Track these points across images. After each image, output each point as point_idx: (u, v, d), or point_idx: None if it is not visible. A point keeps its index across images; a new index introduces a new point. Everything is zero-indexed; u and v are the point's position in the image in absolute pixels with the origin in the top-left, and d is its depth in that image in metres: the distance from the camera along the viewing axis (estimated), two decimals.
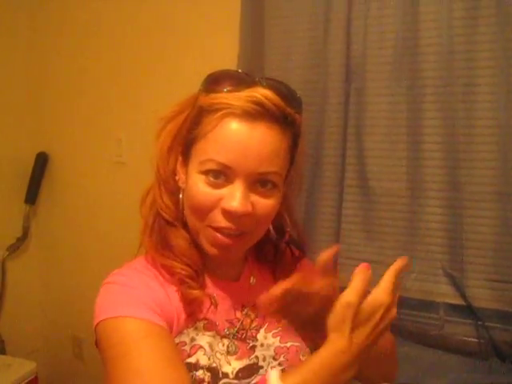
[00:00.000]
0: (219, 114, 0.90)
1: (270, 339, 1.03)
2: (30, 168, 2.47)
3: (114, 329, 0.88)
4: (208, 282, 1.02)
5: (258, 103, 0.88)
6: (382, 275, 1.69)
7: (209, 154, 0.90)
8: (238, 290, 1.05)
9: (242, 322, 1.02)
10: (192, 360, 0.92)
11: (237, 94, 0.90)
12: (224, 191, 0.90)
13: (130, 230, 2.25)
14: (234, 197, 0.89)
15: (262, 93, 0.89)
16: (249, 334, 1.02)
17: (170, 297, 0.95)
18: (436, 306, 1.75)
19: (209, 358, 0.94)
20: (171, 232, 0.99)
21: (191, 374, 0.91)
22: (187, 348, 0.94)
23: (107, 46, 2.30)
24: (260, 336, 1.03)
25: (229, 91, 0.91)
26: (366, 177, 1.75)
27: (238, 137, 0.89)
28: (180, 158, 1.00)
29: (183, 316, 0.95)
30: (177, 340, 0.94)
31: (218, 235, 0.92)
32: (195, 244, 0.99)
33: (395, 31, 1.68)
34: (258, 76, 0.93)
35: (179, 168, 1.00)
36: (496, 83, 1.59)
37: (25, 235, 2.52)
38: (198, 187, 0.91)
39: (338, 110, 1.74)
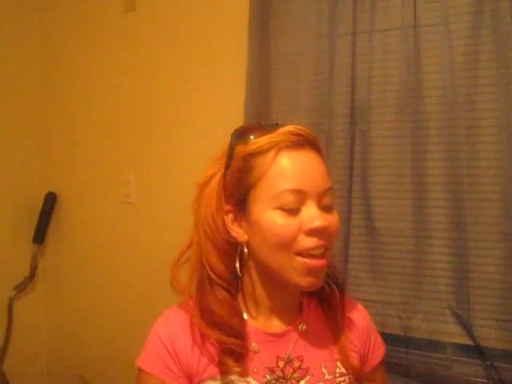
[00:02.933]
0: (272, 151, 0.96)
1: None
2: (39, 208, 2.49)
3: (140, 380, 1.02)
4: (252, 330, 1.03)
5: (298, 134, 0.98)
6: (388, 315, 1.72)
7: (280, 187, 0.95)
8: (284, 337, 1.06)
9: (282, 371, 1.02)
10: None
11: (274, 134, 0.98)
12: (301, 216, 0.95)
13: (137, 270, 2.29)
14: (315, 215, 0.94)
15: (295, 127, 0.99)
16: (288, 383, 1.02)
17: (203, 352, 1.00)
18: (443, 346, 1.75)
19: None
20: (213, 296, 1.01)
21: None
22: None
23: (116, 87, 2.35)
24: None
25: (266, 134, 0.99)
26: (372, 217, 1.78)
27: (299, 163, 0.97)
28: (229, 216, 1.02)
29: (215, 366, 0.99)
30: None
31: (308, 261, 0.95)
32: (237, 310, 1.03)
33: (398, 75, 1.73)
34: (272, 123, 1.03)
35: (232, 225, 1.02)
36: (498, 125, 1.62)
37: (32, 275, 2.53)
38: (278, 222, 0.95)
39: (344, 152, 1.78)
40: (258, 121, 1.75)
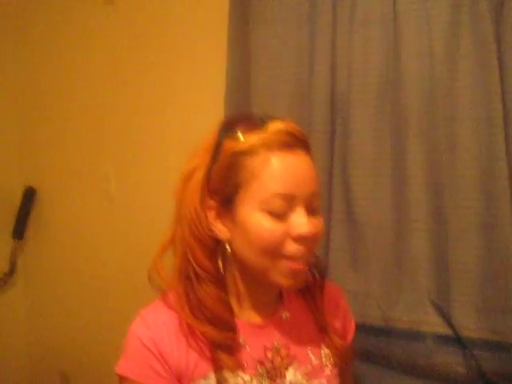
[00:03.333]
0: (263, 152, 0.95)
1: (298, 378, 1.05)
2: (18, 202, 2.47)
3: None
4: (239, 323, 1.03)
5: (290, 134, 0.97)
6: (368, 306, 1.73)
7: (269, 190, 0.94)
8: (269, 328, 1.07)
9: (272, 361, 1.04)
10: None
11: (264, 131, 0.97)
12: (289, 221, 0.95)
13: (118, 264, 2.28)
14: (303, 222, 0.95)
15: (286, 125, 0.98)
16: (278, 372, 1.04)
17: (190, 349, 0.99)
18: (424, 336, 1.76)
19: None
20: (204, 291, 1.01)
21: None
22: None
23: (95, 80, 2.33)
24: (289, 375, 1.05)
25: (255, 130, 0.97)
26: (352, 208, 1.78)
27: (290, 166, 0.96)
28: (212, 213, 1.01)
29: (206, 362, 0.99)
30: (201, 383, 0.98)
31: (293, 264, 0.96)
32: (227, 304, 1.03)
33: (379, 64, 1.73)
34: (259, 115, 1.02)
35: (214, 222, 1.01)
36: (476, 117, 1.63)
37: (12, 270, 2.52)
38: (265, 225, 0.94)
39: (324, 140, 1.78)
40: (245, 112, 1.73)
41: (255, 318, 1.06)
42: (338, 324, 1.16)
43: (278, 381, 1.03)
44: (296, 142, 0.97)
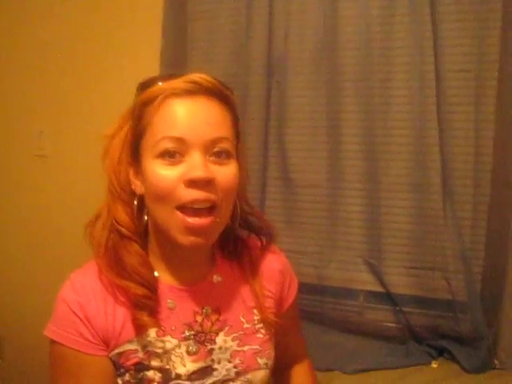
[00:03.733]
0: (159, 98, 0.91)
1: (228, 343, 1.03)
2: None
3: (57, 353, 0.97)
4: (165, 287, 1.01)
5: (195, 82, 0.92)
6: (303, 265, 1.76)
7: (159, 134, 0.90)
8: (199, 291, 1.04)
9: (201, 325, 1.02)
10: (144, 362, 0.95)
11: (169, 82, 0.93)
12: (183, 167, 0.89)
13: (51, 223, 2.23)
14: (195, 165, 0.89)
15: (196, 75, 0.93)
16: (208, 337, 1.02)
17: (117, 312, 0.97)
18: (356, 294, 1.81)
19: (161, 361, 0.96)
20: (125, 249, 0.98)
21: (141, 373, 0.95)
22: (140, 355, 0.96)
23: (27, 36, 2.23)
24: (219, 339, 1.03)
25: (164, 81, 0.94)
26: (288, 169, 1.80)
27: (184, 110, 0.91)
28: (131, 169, 0.98)
29: (131, 326, 0.97)
30: (127, 347, 0.96)
31: (189, 219, 0.90)
32: (147, 262, 1.00)
33: (315, 28, 1.73)
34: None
35: (133, 178, 0.98)
36: (410, 79, 1.66)
37: None
38: (157, 172, 0.90)
39: (260, 104, 1.78)
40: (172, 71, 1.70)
41: (183, 282, 1.03)
42: (274, 291, 1.13)
43: (208, 346, 1.01)
44: (200, 89, 0.92)
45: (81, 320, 0.95)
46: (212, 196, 0.91)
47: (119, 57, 2.03)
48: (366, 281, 1.78)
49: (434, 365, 1.65)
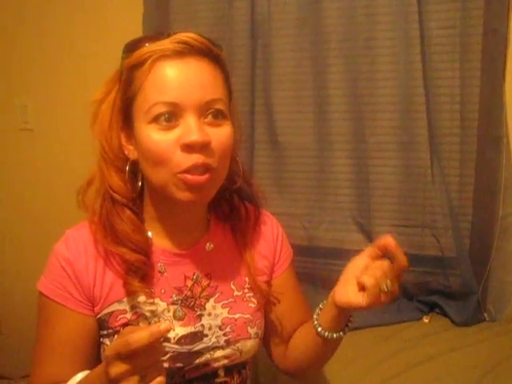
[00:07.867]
0: (149, 61, 0.90)
1: (218, 309, 1.04)
2: None
3: (42, 304, 1.00)
4: (158, 250, 1.02)
5: (184, 42, 0.90)
6: (293, 227, 1.76)
7: (152, 99, 0.89)
8: (191, 257, 1.04)
9: (191, 290, 1.02)
10: (133, 323, 0.96)
11: (159, 43, 0.91)
12: (178, 131, 0.89)
13: (38, 197, 2.22)
14: (191, 130, 0.88)
15: (185, 35, 0.91)
16: (197, 302, 1.02)
17: (106, 272, 0.99)
18: (347, 253, 1.80)
19: (150, 323, 0.97)
20: (117, 216, 0.98)
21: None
22: (128, 316, 0.97)
23: (9, 6, 2.19)
24: (209, 305, 1.03)
25: (152, 43, 0.92)
26: (275, 131, 1.80)
27: (176, 73, 0.90)
28: (123, 134, 0.97)
29: (121, 287, 0.98)
30: (115, 308, 0.98)
31: (188, 176, 0.89)
32: (140, 227, 1.00)
33: None
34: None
35: (125, 143, 0.97)
36: (395, 37, 1.65)
37: None
38: (152, 137, 0.89)
39: (246, 67, 1.76)
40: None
41: (176, 246, 1.04)
42: (267, 254, 1.14)
43: (197, 311, 1.02)
44: (190, 50, 0.90)
45: (68, 276, 0.97)
46: (209, 160, 0.90)
47: (100, 22, 2.01)
48: (356, 240, 1.79)
49: (426, 320, 1.69)
